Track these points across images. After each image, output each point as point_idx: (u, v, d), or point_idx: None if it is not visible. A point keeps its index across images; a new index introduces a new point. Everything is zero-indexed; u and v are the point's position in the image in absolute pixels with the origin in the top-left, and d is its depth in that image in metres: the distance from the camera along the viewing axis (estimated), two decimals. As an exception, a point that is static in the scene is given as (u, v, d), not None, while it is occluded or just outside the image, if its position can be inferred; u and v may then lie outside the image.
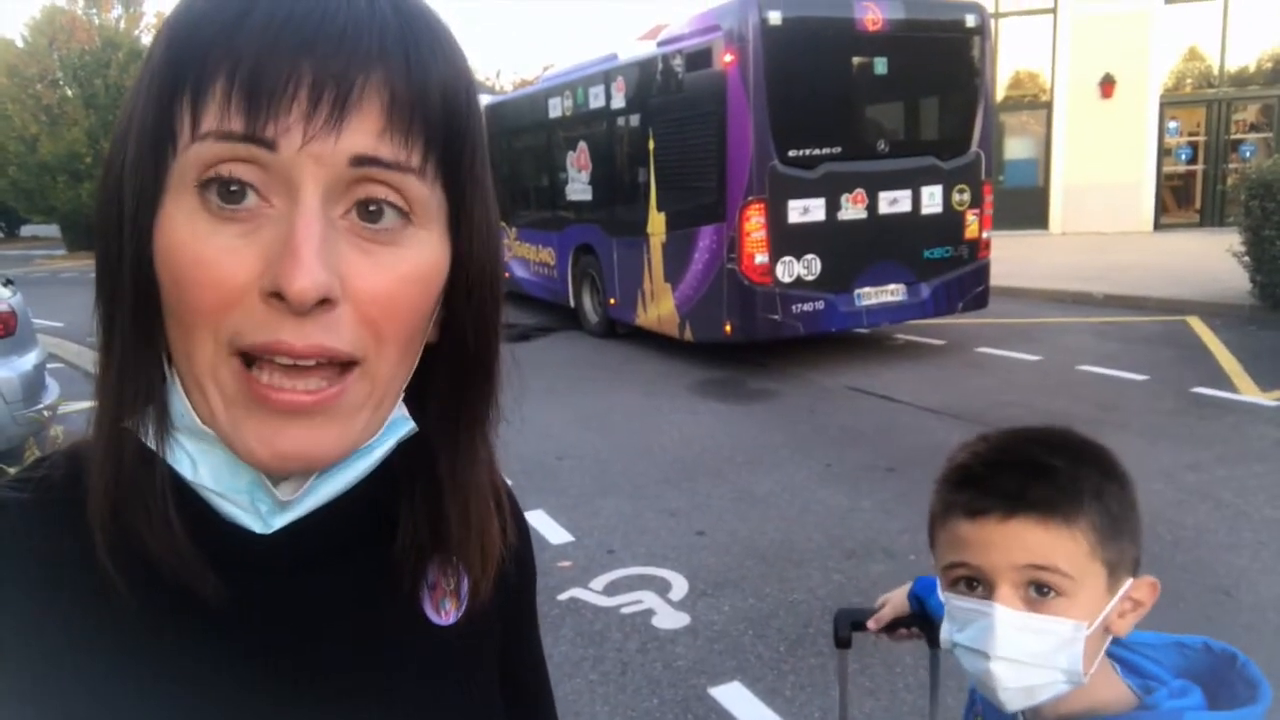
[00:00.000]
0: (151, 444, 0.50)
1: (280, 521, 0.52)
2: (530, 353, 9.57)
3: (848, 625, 1.39)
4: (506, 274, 11.96)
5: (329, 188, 0.46)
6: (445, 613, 0.60)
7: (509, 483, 0.69)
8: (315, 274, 0.44)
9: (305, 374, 0.47)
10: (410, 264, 0.49)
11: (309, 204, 0.45)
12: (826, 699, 3.03)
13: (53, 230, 31.10)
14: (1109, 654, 0.93)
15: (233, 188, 0.45)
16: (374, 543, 0.57)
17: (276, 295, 0.45)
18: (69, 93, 24.61)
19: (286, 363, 0.46)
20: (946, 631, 0.94)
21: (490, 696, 0.64)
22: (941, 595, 0.95)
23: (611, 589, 3.90)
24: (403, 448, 0.55)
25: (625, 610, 3.70)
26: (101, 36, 24.88)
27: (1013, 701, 0.89)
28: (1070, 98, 17.46)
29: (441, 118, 0.49)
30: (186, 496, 0.51)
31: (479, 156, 0.52)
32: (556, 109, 10.34)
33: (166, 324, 0.48)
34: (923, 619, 1.31)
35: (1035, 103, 18.17)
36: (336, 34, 0.45)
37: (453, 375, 0.56)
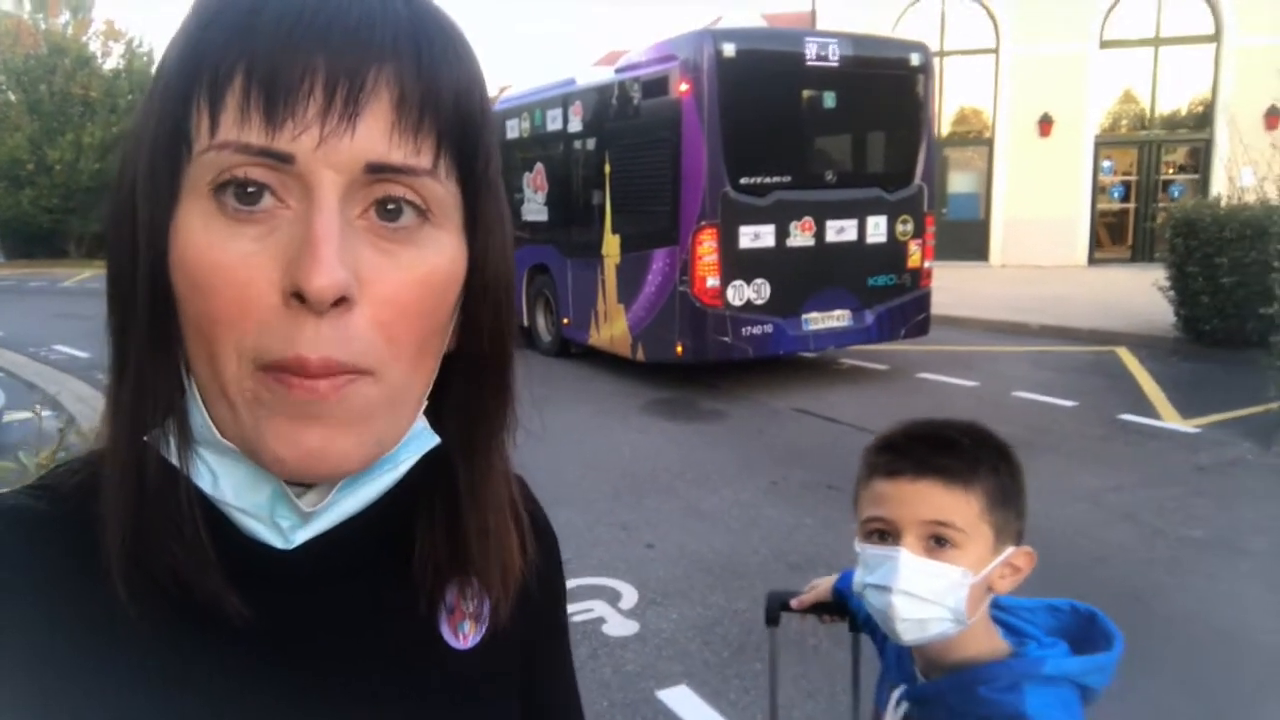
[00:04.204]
0: (174, 458, 0.49)
1: (301, 537, 0.51)
2: (483, 370, 9.65)
3: (777, 605, 1.54)
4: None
5: (346, 188, 0.45)
6: (464, 636, 0.58)
7: (536, 498, 0.68)
8: (335, 271, 0.44)
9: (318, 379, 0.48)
10: (429, 265, 0.48)
11: (327, 203, 0.45)
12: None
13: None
14: (993, 617, 1.11)
15: (250, 189, 0.45)
16: (391, 561, 0.55)
17: (297, 295, 0.44)
18: (12, 98, 24.06)
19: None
20: (859, 576, 1.11)
21: None
22: (858, 547, 1.13)
23: (563, 598, 4.01)
24: (420, 462, 0.54)
25: (577, 618, 3.81)
26: (48, 42, 24.41)
27: (908, 632, 1.06)
28: (1010, 135, 18.16)
29: (454, 116, 0.48)
30: (206, 511, 0.50)
31: (493, 160, 0.52)
32: (514, 130, 10.49)
33: (185, 334, 0.47)
34: (843, 608, 1.47)
35: (978, 139, 18.85)
36: (350, 27, 0.45)
37: (469, 384, 0.55)
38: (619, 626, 3.74)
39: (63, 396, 7.60)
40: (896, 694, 1.15)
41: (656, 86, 7.82)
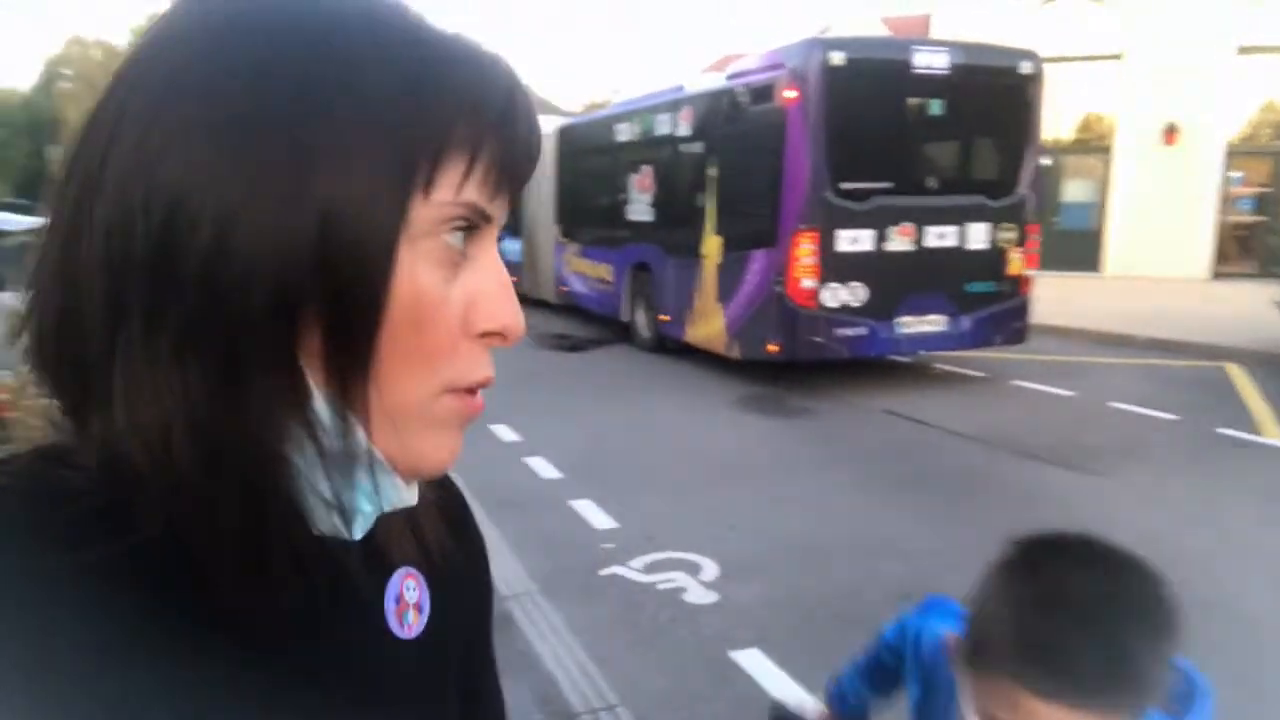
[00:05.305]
0: (316, 478, 0.48)
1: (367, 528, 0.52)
2: (584, 362, 10.10)
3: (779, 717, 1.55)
4: (564, 288, 12.51)
5: (494, 241, 0.52)
6: (409, 626, 0.58)
7: (463, 490, 0.70)
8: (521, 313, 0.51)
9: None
10: None
11: (495, 250, 0.51)
12: (838, 665, 3.43)
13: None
14: None
15: (456, 239, 0.48)
16: (343, 552, 0.52)
17: (496, 334, 0.50)
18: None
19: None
20: None
21: (453, 715, 0.63)
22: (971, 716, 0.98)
23: (649, 568, 4.34)
24: None
25: (660, 586, 4.14)
26: None
27: None
28: (1132, 143, 17.56)
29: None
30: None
31: None
32: (624, 133, 10.91)
33: (383, 360, 0.46)
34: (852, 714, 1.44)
35: (1095, 147, 18.30)
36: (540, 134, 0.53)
37: None
38: (698, 595, 4.04)
39: None
40: None
41: (764, 93, 8.08)
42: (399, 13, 0.47)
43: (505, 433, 6.77)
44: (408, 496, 0.52)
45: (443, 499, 0.62)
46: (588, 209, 12.23)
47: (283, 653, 0.50)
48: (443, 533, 0.60)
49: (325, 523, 0.49)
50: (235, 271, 0.43)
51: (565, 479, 5.72)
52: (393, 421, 0.48)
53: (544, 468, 5.94)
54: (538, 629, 3.72)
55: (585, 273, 12.23)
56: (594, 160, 12.00)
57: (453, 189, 0.47)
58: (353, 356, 0.46)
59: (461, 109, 0.47)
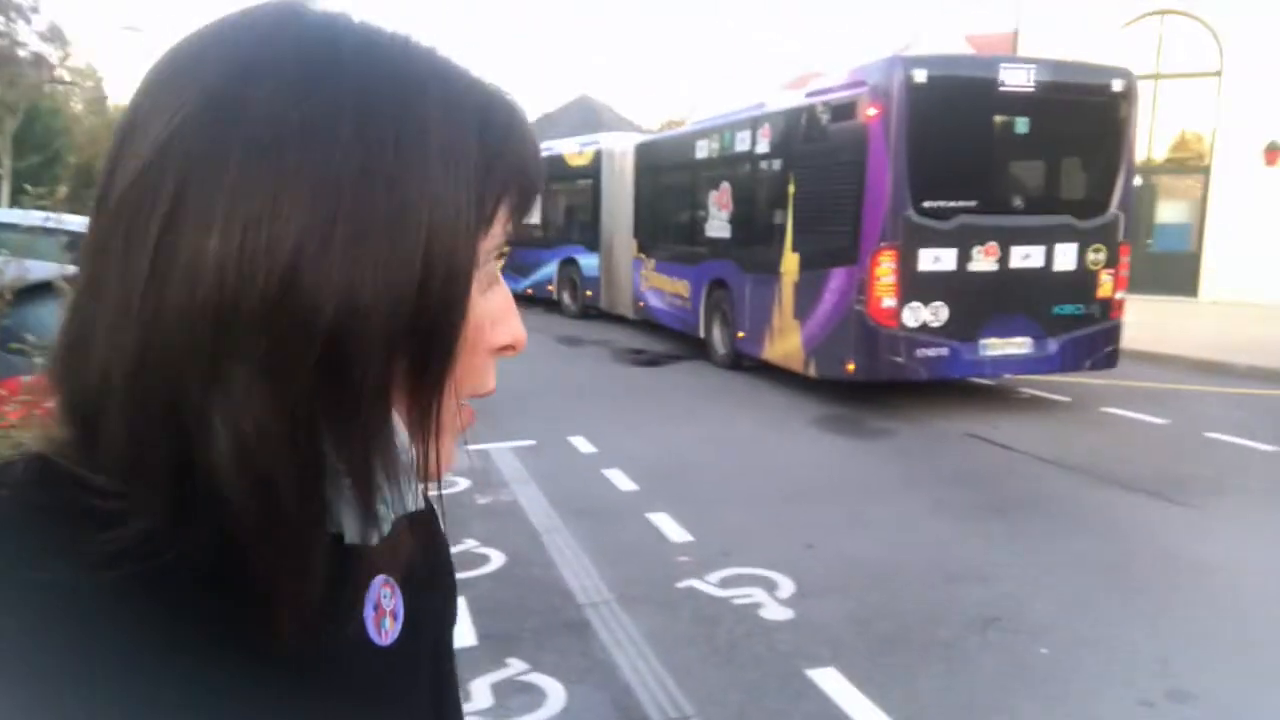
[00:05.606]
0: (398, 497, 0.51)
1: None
2: (660, 377, 10.15)
3: None
4: (641, 303, 12.60)
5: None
6: (385, 633, 0.58)
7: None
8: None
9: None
10: None
11: (498, 274, 0.55)
12: (915, 690, 3.39)
13: None
14: None
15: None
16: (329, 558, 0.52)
17: (509, 347, 0.55)
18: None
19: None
20: None
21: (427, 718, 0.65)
22: None
23: (724, 583, 4.34)
24: None
25: (736, 601, 4.14)
26: None
27: None
28: (1231, 163, 16.89)
29: None
30: None
31: None
32: (703, 150, 10.97)
33: (450, 374, 0.50)
34: None
35: (1192, 167, 17.65)
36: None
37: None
38: (775, 612, 4.03)
39: None
40: None
41: (845, 110, 8.04)
42: (442, 55, 0.50)
43: (583, 444, 6.85)
44: (417, 502, 0.53)
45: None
46: (665, 225, 12.32)
47: (279, 662, 0.49)
48: (413, 540, 0.59)
49: (349, 528, 0.50)
50: (356, 331, 0.44)
51: (642, 491, 5.76)
52: (436, 431, 0.51)
53: (621, 480, 6.00)
54: (614, 638, 3.76)
55: (662, 289, 12.30)
56: (672, 177, 12.09)
57: (502, 224, 0.52)
58: (435, 381, 0.49)
59: (520, 154, 0.52)
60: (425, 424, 0.50)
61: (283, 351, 0.44)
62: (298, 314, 0.43)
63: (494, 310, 0.53)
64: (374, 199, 0.44)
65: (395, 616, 0.60)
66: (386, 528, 0.51)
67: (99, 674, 0.43)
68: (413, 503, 0.53)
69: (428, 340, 0.48)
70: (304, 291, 0.43)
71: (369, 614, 0.57)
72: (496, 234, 0.51)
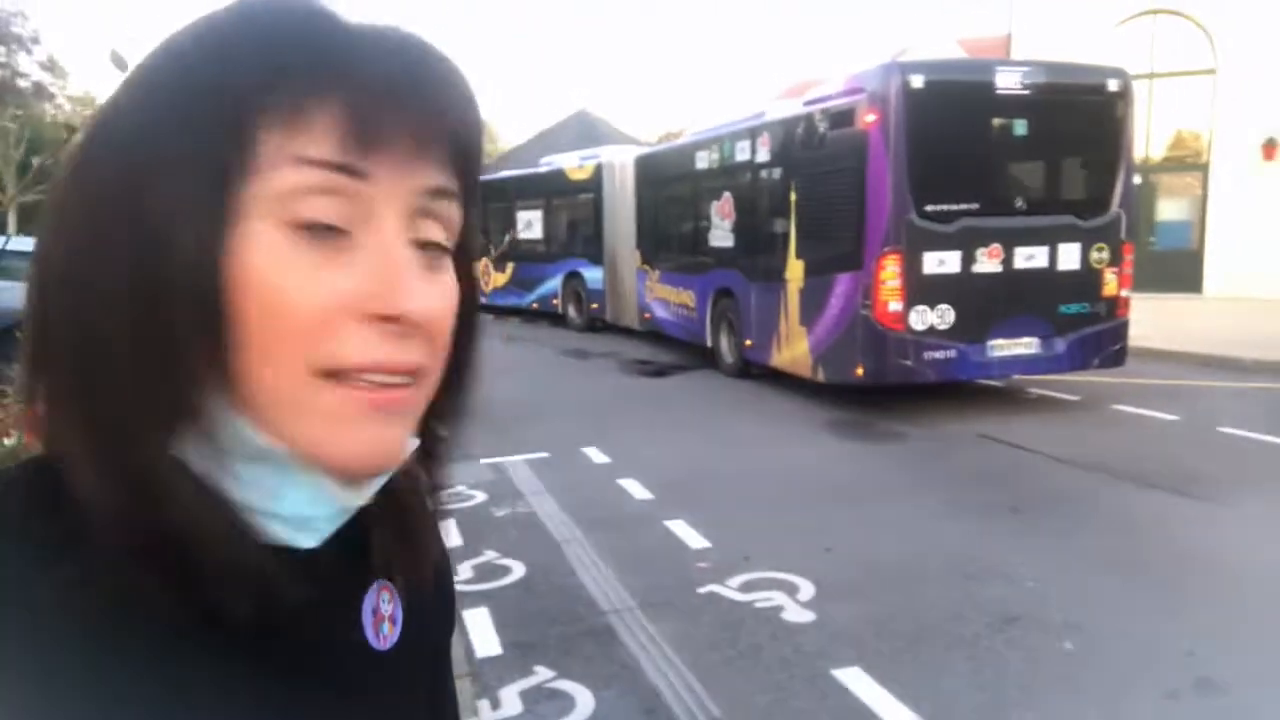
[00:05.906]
0: (222, 474, 0.47)
1: (328, 533, 0.51)
2: (669, 387, 10.18)
3: None
4: (647, 314, 12.65)
5: (403, 218, 0.48)
6: (384, 638, 0.58)
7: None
8: (424, 296, 0.48)
9: (389, 385, 0.48)
10: (453, 289, 0.52)
11: (396, 231, 0.48)
12: (941, 687, 3.40)
13: None
14: None
15: (322, 230, 0.46)
16: (323, 564, 0.52)
17: (386, 319, 0.47)
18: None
19: (379, 379, 0.47)
20: None
21: None
22: None
23: (745, 587, 4.36)
24: None
25: (758, 605, 4.15)
26: None
27: None
28: (1229, 159, 16.95)
29: (476, 154, 0.53)
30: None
31: (478, 190, 0.55)
32: (704, 161, 11.03)
33: (233, 352, 0.45)
34: None
35: (1191, 164, 17.72)
36: (436, 80, 0.49)
37: (446, 397, 0.56)
38: (796, 614, 4.04)
39: None
40: None
41: (844, 117, 8.10)
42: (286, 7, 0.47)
43: (596, 455, 6.88)
44: (348, 498, 0.51)
45: (412, 510, 0.60)
46: (668, 236, 12.37)
47: (263, 663, 0.49)
48: (410, 546, 0.59)
49: (280, 534, 0.49)
50: (92, 317, 0.45)
51: (657, 500, 5.78)
52: (275, 414, 0.47)
53: (636, 489, 6.02)
54: (639, 643, 3.78)
55: (668, 299, 12.34)
56: (673, 188, 12.15)
57: (279, 151, 0.45)
58: (209, 350, 0.45)
59: (267, 64, 0.45)
60: (232, 400, 0.46)
61: (43, 349, 0.47)
62: (54, 305, 0.47)
63: (360, 271, 0.46)
64: (89, 171, 0.47)
65: (394, 621, 0.59)
66: (319, 529, 0.50)
67: (72, 674, 0.44)
68: (348, 498, 0.51)
69: (184, 309, 0.44)
70: (47, 282, 0.47)
71: (368, 618, 0.57)
72: (273, 166, 0.45)
